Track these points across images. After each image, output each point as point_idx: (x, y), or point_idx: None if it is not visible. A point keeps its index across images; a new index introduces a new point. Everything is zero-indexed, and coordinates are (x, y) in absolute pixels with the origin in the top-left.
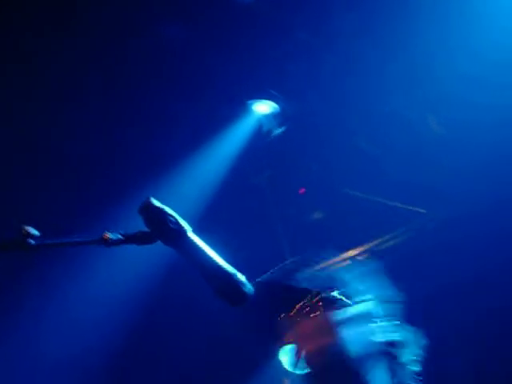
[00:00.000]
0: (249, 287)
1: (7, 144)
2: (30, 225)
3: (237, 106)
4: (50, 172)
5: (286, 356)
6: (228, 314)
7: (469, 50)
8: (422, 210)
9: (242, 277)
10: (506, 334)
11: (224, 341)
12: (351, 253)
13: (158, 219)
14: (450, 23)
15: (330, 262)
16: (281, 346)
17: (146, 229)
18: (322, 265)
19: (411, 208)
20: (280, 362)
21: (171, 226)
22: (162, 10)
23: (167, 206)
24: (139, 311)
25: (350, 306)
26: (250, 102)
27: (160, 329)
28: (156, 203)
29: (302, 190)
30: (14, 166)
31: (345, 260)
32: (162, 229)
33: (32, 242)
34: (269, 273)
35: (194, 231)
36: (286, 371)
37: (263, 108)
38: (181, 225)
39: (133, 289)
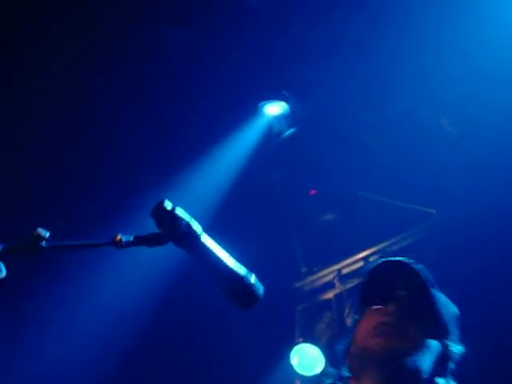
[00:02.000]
0: (260, 289)
1: (18, 148)
2: (41, 227)
3: (248, 108)
4: (63, 175)
5: (297, 358)
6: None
7: (482, 48)
8: (433, 211)
9: (253, 279)
10: None
11: (235, 343)
12: (363, 254)
13: (169, 221)
14: (462, 22)
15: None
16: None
17: (157, 231)
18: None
19: (422, 209)
20: (291, 365)
21: (183, 227)
22: (175, 13)
23: (180, 207)
24: (150, 313)
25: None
26: (260, 103)
27: (170, 332)
28: (168, 205)
29: (313, 192)
30: (26, 170)
31: (357, 261)
32: (174, 231)
33: (43, 244)
34: None
35: (206, 233)
36: (297, 373)
37: (274, 109)
38: (192, 227)
39: (144, 290)
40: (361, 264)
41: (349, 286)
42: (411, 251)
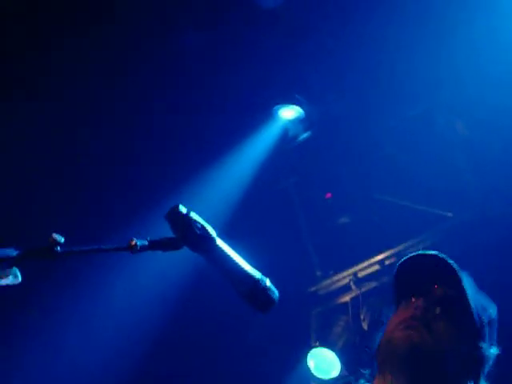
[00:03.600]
0: (275, 293)
1: (34, 153)
2: (57, 233)
3: (263, 112)
4: (80, 181)
5: (313, 361)
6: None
7: (496, 53)
8: (449, 214)
9: (268, 282)
10: None
11: (252, 347)
12: (379, 257)
13: (184, 225)
14: (476, 26)
15: (359, 266)
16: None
17: (172, 235)
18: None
19: (438, 212)
20: (308, 368)
21: (197, 231)
22: (191, 17)
23: (194, 212)
24: (166, 319)
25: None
26: (275, 107)
27: (186, 336)
28: (183, 209)
29: (329, 195)
30: (42, 174)
31: (372, 264)
32: (189, 235)
33: (59, 249)
34: None
35: (221, 237)
36: (313, 376)
37: (289, 113)
38: (207, 230)
39: (159, 296)
40: (377, 267)
41: (365, 289)
42: None
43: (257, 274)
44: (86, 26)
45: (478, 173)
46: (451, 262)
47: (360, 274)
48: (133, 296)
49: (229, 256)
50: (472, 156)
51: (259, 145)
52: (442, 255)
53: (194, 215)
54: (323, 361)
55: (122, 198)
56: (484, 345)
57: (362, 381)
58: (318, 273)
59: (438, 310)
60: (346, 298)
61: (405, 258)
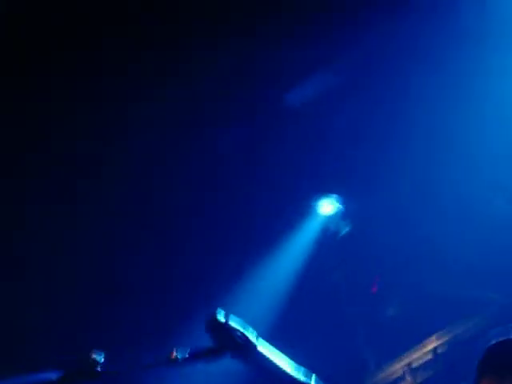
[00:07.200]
0: None
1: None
2: (96, 349)
3: (303, 208)
4: (118, 293)
5: None
6: None
7: None
8: (497, 296)
9: (313, 381)
10: None
11: None
12: (430, 346)
13: (224, 336)
14: None
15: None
16: None
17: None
18: None
19: (487, 295)
20: None
21: (238, 340)
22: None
23: (233, 316)
24: None
25: None
26: (314, 203)
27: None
28: (221, 318)
29: (375, 289)
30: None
31: (426, 353)
32: (230, 345)
33: (99, 369)
34: None
35: (270, 335)
36: None
37: (328, 209)
38: (248, 338)
39: None
40: (430, 356)
41: (419, 379)
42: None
43: (301, 375)
44: None
45: None
46: None
47: (414, 364)
48: None
49: (271, 361)
50: None
51: (303, 241)
52: None
53: (232, 323)
54: None
55: (165, 306)
56: None
57: None
58: (372, 366)
59: None
60: None
61: (499, 341)
